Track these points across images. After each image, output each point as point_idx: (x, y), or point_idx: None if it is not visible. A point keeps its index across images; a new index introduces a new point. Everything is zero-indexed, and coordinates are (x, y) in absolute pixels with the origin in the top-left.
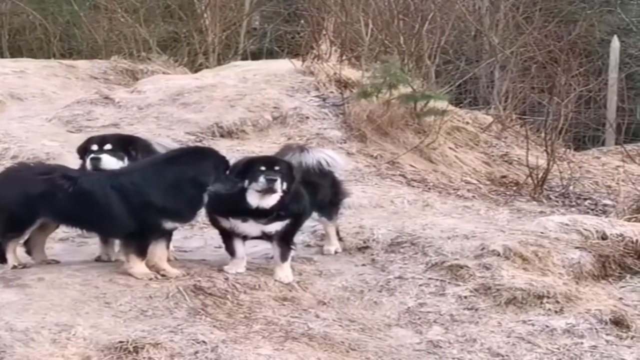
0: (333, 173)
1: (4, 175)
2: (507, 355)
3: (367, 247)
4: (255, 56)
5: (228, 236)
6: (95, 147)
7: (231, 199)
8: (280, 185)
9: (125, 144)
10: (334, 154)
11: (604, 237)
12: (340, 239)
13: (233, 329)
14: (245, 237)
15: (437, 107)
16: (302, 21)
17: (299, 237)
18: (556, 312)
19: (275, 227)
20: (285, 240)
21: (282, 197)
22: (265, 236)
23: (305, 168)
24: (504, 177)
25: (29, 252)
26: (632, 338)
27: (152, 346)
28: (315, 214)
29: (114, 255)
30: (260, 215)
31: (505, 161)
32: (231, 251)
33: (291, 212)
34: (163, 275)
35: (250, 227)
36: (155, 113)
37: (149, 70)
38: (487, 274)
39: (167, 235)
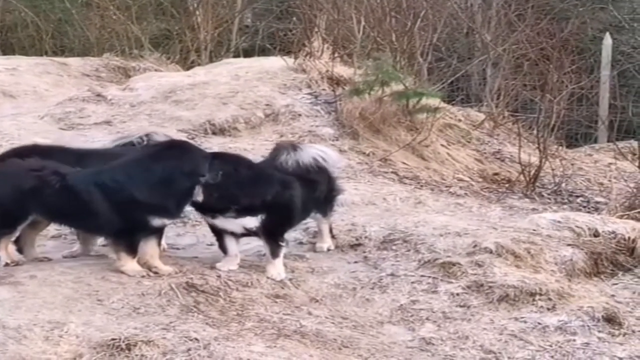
0: (327, 169)
1: None
2: (499, 353)
3: (359, 245)
4: (248, 53)
5: (219, 234)
6: None
7: None
8: None
9: None
10: (327, 149)
11: (596, 235)
12: (333, 237)
13: (225, 326)
14: (234, 234)
15: (430, 105)
16: (294, 18)
17: (290, 235)
18: (548, 309)
19: (252, 222)
20: (271, 236)
21: (205, 190)
22: (252, 233)
23: (304, 166)
24: (496, 174)
25: (20, 250)
26: (624, 335)
27: (144, 343)
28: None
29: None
30: (216, 210)
31: (498, 158)
32: (223, 249)
33: (246, 205)
34: (155, 273)
35: (224, 223)
36: (147, 110)
37: (141, 68)
38: (480, 271)
39: (158, 232)
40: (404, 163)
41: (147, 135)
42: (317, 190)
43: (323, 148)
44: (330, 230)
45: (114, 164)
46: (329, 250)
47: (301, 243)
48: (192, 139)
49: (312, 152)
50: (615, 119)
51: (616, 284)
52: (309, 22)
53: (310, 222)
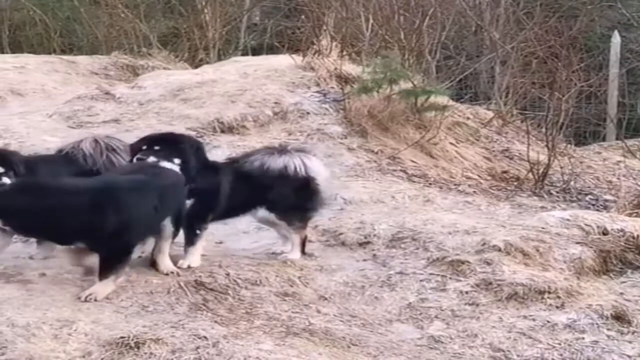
0: (313, 180)
1: (136, 183)
2: (508, 351)
3: (368, 243)
4: (256, 52)
5: None
6: None
7: None
8: None
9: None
10: (314, 163)
11: (605, 233)
12: (304, 251)
13: (234, 324)
14: None
15: (438, 103)
16: (303, 16)
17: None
18: (557, 307)
19: None
20: (188, 222)
21: None
22: None
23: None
24: (504, 172)
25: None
26: (633, 333)
27: (153, 341)
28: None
29: None
30: None
31: (506, 156)
32: None
33: None
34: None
35: None
36: (156, 109)
37: (150, 66)
38: (488, 269)
39: None
40: (413, 161)
41: (78, 143)
42: (270, 191)
43: (309, 161)
44: (303, 243)
45: None
46: (292, 261)
47: (310, 241)
48: (201, 137)
49: (285, 160)
50: (624, 117)
51: (625, 282)
52: (317, 20)
53: (320, 220)
